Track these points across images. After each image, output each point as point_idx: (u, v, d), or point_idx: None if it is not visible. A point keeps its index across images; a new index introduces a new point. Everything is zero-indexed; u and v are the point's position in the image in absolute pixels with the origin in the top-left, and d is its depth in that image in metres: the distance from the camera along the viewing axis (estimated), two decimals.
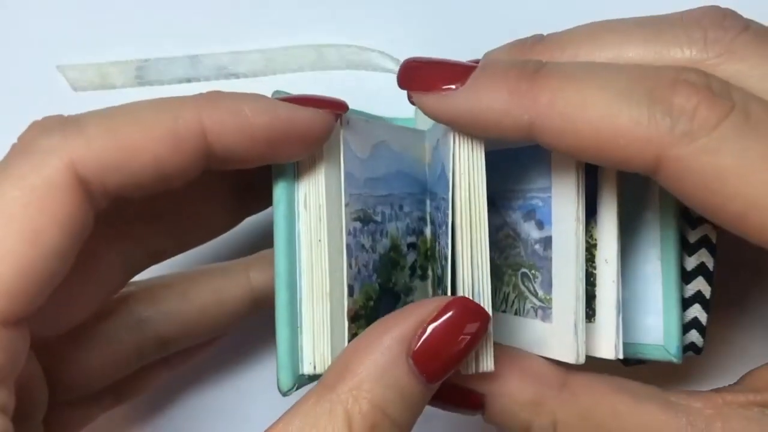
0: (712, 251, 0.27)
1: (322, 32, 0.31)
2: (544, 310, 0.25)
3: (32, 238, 0.20)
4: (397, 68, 0.30)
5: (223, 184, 0.28)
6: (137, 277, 0.27)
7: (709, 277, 0.27)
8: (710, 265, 0.27)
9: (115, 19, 0.30)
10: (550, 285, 0.25)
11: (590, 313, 0.25)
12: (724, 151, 0.20)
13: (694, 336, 0.27)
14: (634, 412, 0.23)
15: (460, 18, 0.31)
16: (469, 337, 0.21)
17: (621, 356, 0.25)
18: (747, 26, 0.22)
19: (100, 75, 0.26)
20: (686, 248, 0.27)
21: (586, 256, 0.24)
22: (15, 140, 0.22)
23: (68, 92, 0.26)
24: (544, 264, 0.25)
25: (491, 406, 0.24)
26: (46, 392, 0.25)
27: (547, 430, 0.24)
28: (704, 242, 0.27)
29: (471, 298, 0.23)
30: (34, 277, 0.20)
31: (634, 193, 0.27)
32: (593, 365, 0.25)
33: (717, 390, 0.24)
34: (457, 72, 0.22)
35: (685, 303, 0.27)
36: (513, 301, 0.27)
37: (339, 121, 0.25)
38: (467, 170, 0.23)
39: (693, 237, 0.27)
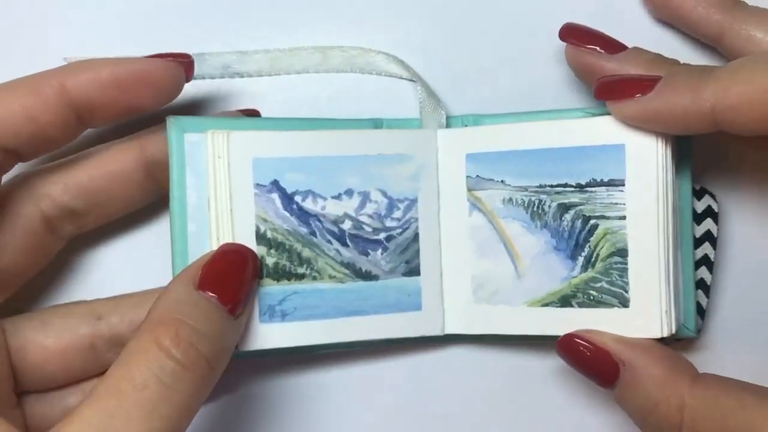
0: (715, 219, 0.29)
1: (327, 33, 0.31)
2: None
3: None
4: (401, 71, 0.31)
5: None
6: None
7: (713, 243, 0.29)
8: (714, 231, 0.29)
9: (121, 18, 0.31)
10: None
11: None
12: None
13: (699, 295, 0.29)
14: (761, 404, 0.25)
15: (465, 18, 0.32)
16: (238, 259, 0.27)
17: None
18: None
19: None
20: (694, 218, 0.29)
21: None
22: None
23: None
24: None
25: (626, 376, 0.26)
26: (7, 363, 0.27)
27: (672, 411, 0.25)
28: (708, 213, 0.30)
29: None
30: None
31: None
32: None
33: None
34: (645, 83, 0.27)
35: (695, 265, 0.29)
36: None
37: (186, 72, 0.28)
38: (663, 172, 0.27)
39: (699, 207, 0.30)
